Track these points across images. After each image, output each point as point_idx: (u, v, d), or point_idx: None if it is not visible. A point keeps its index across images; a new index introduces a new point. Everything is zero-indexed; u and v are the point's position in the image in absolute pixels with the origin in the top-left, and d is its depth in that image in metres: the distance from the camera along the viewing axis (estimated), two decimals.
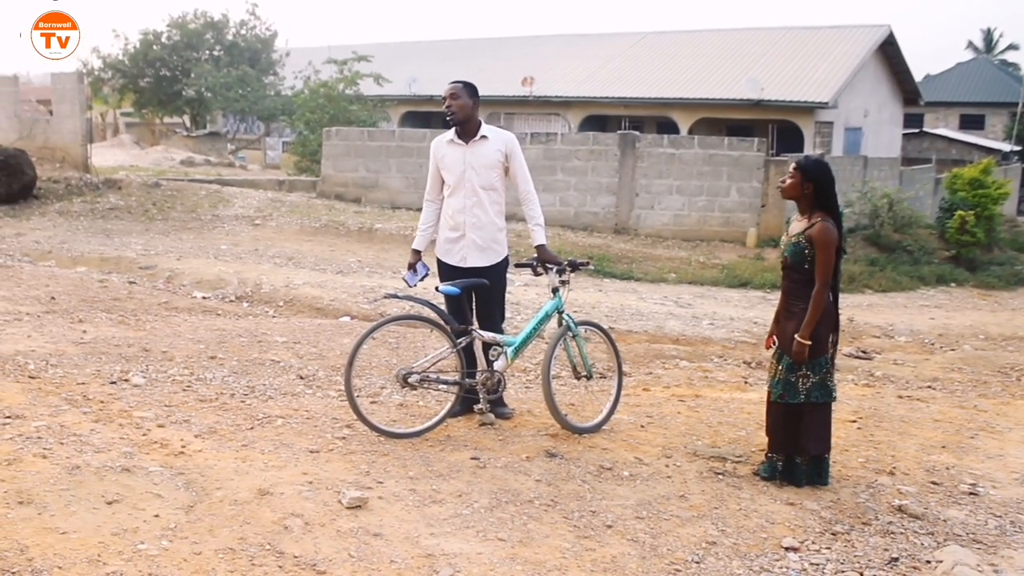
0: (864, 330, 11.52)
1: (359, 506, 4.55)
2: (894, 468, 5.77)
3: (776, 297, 13.45)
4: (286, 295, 11.24)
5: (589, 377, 6.24)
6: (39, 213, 17.53)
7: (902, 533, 4.78)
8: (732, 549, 4.47)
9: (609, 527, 4.61)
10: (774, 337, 5.48)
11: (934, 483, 5.57)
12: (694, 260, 17.46)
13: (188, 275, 12.13)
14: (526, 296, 11.62)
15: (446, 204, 6.10)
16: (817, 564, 4.37)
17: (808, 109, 28.48)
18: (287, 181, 24.81)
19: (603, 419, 6.20)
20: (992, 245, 21.27)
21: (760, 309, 12.81)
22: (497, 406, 6.14)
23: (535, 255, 6.10)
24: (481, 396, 5.90)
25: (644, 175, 19.76)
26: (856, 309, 13.24)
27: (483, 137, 5.99)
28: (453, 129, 6.04)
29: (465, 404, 6.00)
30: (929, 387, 8.35)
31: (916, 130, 38.93)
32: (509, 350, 5.90)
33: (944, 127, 42.90)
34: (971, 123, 44.81)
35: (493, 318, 6.06)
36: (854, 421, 6.79)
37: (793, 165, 5.33)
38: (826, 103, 27.97)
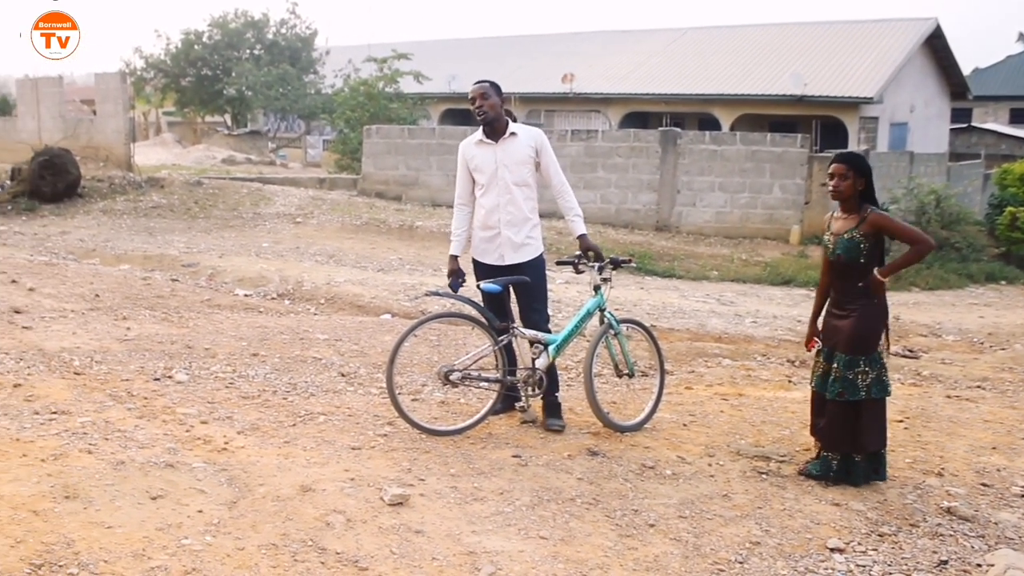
0: (911, 328, 11.34)
1: (401, 503, 4.55)
2: (942, 469, 5.66)
3: None
4: (327, 293, 11.29)
5: (631, 375, 6.20)
6: (83, 211, 17.79)
7: (951, 535, 4.68)
8: (776, 549, 4.41)
9: (651, 526, 4.56)
10: (816, 339, 5.42)
11: (984, 485, 5.45)
12: (736, 257, 17.31)
13: (230, 273, 12.24)
14: (567, 294, 11.57)
15: (479, 204, 6.07)
16: (863, 566, 4.29)
17: (852, 104, 28.12)
18: (328, 179, 24.96)
19: (645, 417, 6.16)
20: None
21: (804, 307, 12.66)
22: (551, 416, 6.06)
23: (577, 250, 6.06)
24: (523, 395, 5.88)
25: (686, 172, 19.62)
26: (902, 307, 13.03)
27: (512, 134, 5.95)
28: (481, 129, 6.02)
29: (507, 402, 5.99)
30: (979, 387, 8.18)
31: (964, 125, 38.25)
32: (551, 348, 5.87)
33: (994, 122, 42.07)
34: (1022, 117, 43.92)
35: (536, 315, 6.02)
36: (901, 421, 6.67)
37: (841, 164, 5.22)
38: (871, 98, 27.60)
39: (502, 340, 5.76)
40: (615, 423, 6.00)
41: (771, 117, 30.24)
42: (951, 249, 18.83)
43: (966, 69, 35.68)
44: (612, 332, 6.06)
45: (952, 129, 36.14)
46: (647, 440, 5.89)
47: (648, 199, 19.89)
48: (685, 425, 6.30)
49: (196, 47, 39.92)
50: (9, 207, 17.58)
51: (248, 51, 40.46)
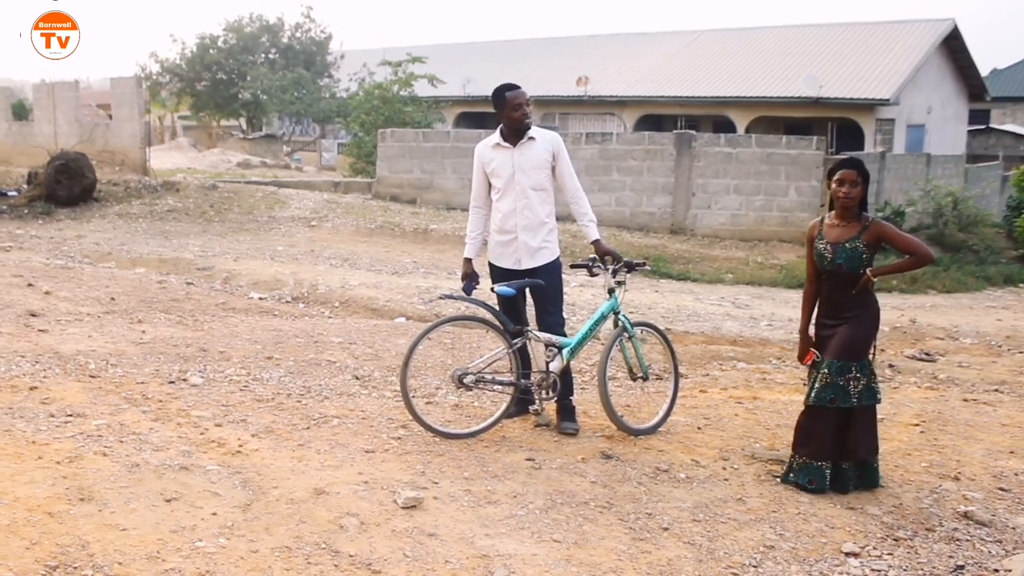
0: (927, 331, 11.26)
1: (414, 506, 4.55)
2: (959, 473, 5.62)
3: None
4: (342, 296, 11.31)
5: (645, 378, 6.18)
6: (99, 215, 17.88)
7: (968, 540, 4.65)
8: (791, 554, 4.39)
9: (665, 530, 4.55)
10: (815, 351, 5.24)
11: (1002, 489, 5.40)
12: (752, 260, 17.25)
13: (245, 276, 12.27)
14: (581, 297, 11.55)
15: (495, 208, 6.06)
16: (879, 570, 4.26)
17: (868, 106, 28.02)
18: (342, 183, 25.00)
19: (659, 421, 6.14)
20: None
21: None
22: (565, 419, 6.05)
23: (592, 254, 6.06)
24: (537, 398, 5.87)
25: (701, 175, 19.56)
26: (919, 310, 12.96)
27: (530, 138, 5.95)
28: (498, 132, 6.01)
29: (520, 405, 5.97)
30: (996, 390, 8.11)
31: (982, 126, 38.01)
32: (565, 351, 5.86)
33: (1012, 123, 41.76)
34: None
35: (551, 318, 6.00)
36: (917, 425, 6.63)
37: (851, 171, 5.07)
38: (887, 100, 27.49)
39: (516, 343, 5.76)
40: (629, 426, 5.98)
41: (786, 119, 30.15)
42: (968, 252, 18.73)
43: (984, 70, 35.45)
44: (626, 335, 6.04)
45: (970, 131, 35.93)
46: (661, 443, 5.87)
47: (663, 202, 19.84)
48: (699, 428, 6.28)
49: (211, 51, 40.14)
50: (25, 211, 17.68)
51: (263, 55, 40.65)
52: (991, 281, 17.13)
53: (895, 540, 4.61)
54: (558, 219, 6.15)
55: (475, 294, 6.04)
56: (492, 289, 5.90)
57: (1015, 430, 6.67)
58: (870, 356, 5.17)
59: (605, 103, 32.68)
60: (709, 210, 19.64)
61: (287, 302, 11.04)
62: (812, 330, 5.31)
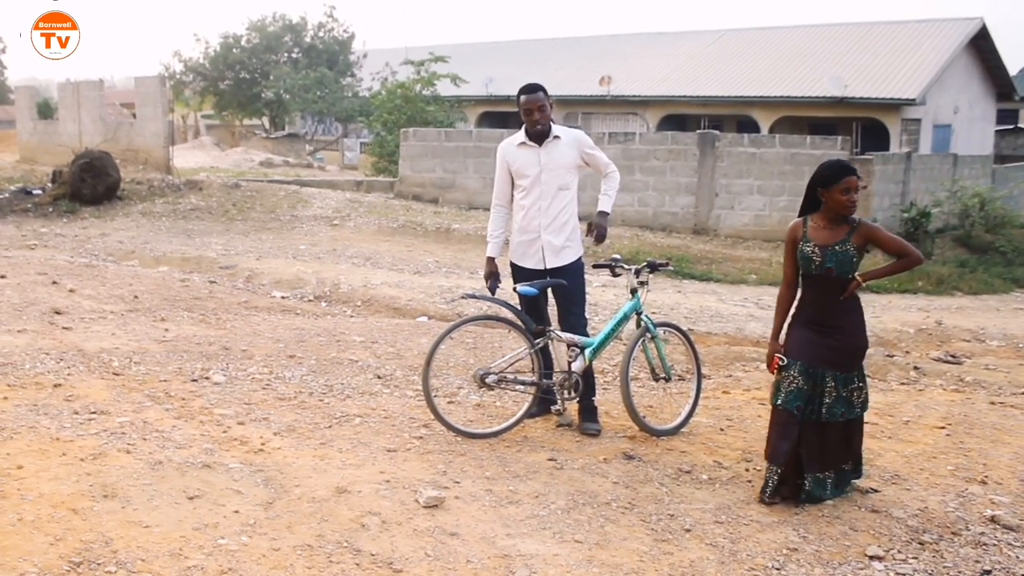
0: (953, 334, 11.15)
1: (436, 505, 4.54)
2: (986, 477, 5.55)
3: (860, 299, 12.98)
4: (364, 295, 11.32)
5: (668, 379, 6.15)
6: (123, 214, 18.00)
7: (995, 545, 4.58)
8: (814, 556, 4.35)
9: (687, 531, 4.52)
10: (778, 356, 4.99)
11: None
12: (775, 261, 17.12)
13: (267, 275, 12.31)
14: (604, 297, 11.52)
15: (518, 205, 6.03)
16: (903, 574, 4.22)
17: (894, 106, 27.81)
18: (365, 182, 25.08)
19: (682, 422, 6.10)
20: None
21: None
22: (587, 419, 6.03)
23: (615, 254, 6.04)
24: (559, 398, 5.85)
25: (724, 175, 19.47)
26: (945, 312, 12.84)
27: (556, 138, 5.93)
28: (523, 131, 5.99)
29: (542, 405, 5.96)
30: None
31: (1011, 126, 37.62)
32: (587, 351, 5.84)
33: None
34: None
35: (574, 318, 5.98)
36: (943, 427, 6.56)
37: (856, 177, 4.89)
38: (913, 100, 27.28)
39: (538, 343, 5.74)
40: (651, 427, 5.95)
41: (811, 119, 29.97)
42: (996, 253, 18.54)
43: (1013, 69, 35.05)
44: (649, 336, 6.01)
45: (997, 131, 35.58)
46: (683, 444, 5.83)
47: (686, 202, 19.76)
48: (722, 430, 6.24)
49: (234, 51, 40.37)
50: (50, 209, 17.84)
51: (286, 54, 40.85)
52: (1018, 283, 16.95)
53: (920, 544, 4.55)
54: (581, 219, 6.13)
55: (497, 294, 6.03)
56: (514, 289, 5.89)
57: None
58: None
59: (628, 103, 32.60)
60: (732, 210, 19.54)
61: (309, 301, 11.06)
62: (794, 334, 5.05)
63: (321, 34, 41.29)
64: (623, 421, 6.10)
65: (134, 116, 25.49)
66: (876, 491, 5.19)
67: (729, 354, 9.14)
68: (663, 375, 6.12)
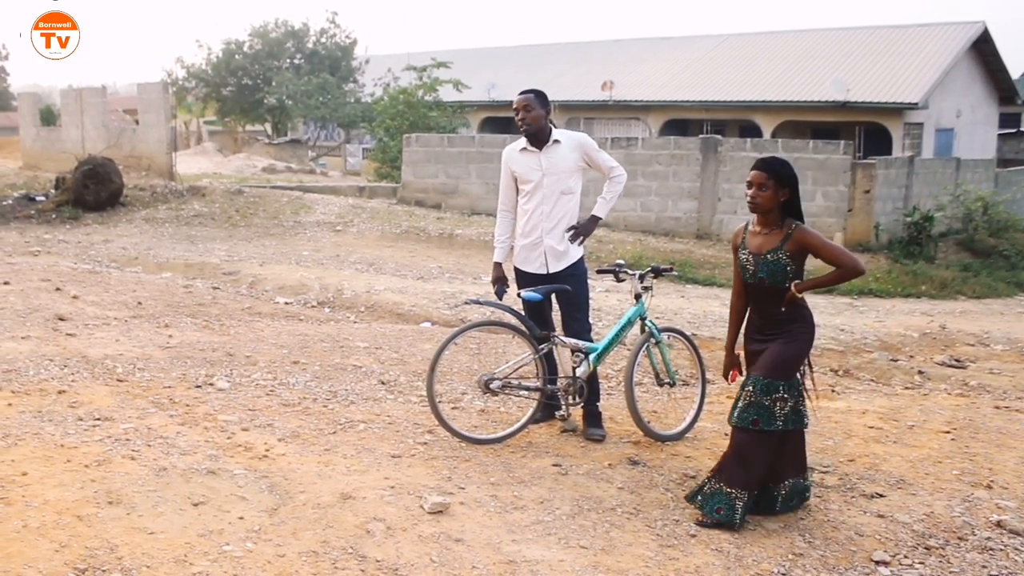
0: (957, 338, 11.14)
1: (441, 511, 4.54)
2: (991, 481, 5.53)
3: (864, 303, 13.03)
4: (367, 300, 11.32)
5: (672, 384, 6.15)
6: (126, 220, 18.02)
7: (1001, 550, 4.57)
8: (820, 561, 4.34)
9: (693, 536, 4.51)
10: (738, 370, 4.95)
11: None
12: None
13: (271, 280, 12.32)
14: (608, 302, 11.51)
15: (521, 210, 6.04)
16: None
17: (896, 110, 27.80)
18: (367, 187, 25.10)
19: (686, 427, 6.10)
20: None
21: (847, 316, 12.50)
22: (591, 425, 6.02)
23: (618, 259, 6.04)
24: (564, 404, 5.85)
25: (727, 179, 19.46)
26: (948, 316, 12.82)
27: (556, 142, 5.93)
28: (524, 136, 6.00)
29: (547, 410, 5.96)
30: None
31: (1013, 130, 37.60)
32: (591, 357, 5.84)
33: None
34: None
35: (578, 323, 5.98)
36: (948, 432, 6.54)
37: (760, 172, 4.64)
38: (915, 104, 27.26)
39: (543, 349, 5.74)
40: (656, 432, 5.94)
41: (813, 124, 29.96)
42: (999, 257, 18.53)
43: (1015, 73, 35.05)
44: (653, 341, 6.01)
45: (1000, 134, 35.55)
46: (688, 450, 5.83)
47: (689, 207, 19.76)
48: (727, 435, 6.20)
49: (237, 57, 40.47)
50: (53, 215, 17.86)
51: (288, 60, 40.93)
52: (1022, 287, 16.95)
53: (926, 549, 4.54)
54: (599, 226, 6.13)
55: (503, 299, 6.03)
56: (518, 294, 5.89)
57: None
58: (799, 376, 4.73)
59: (630, 108, 32.60)
60: (735, 215, 19.50)
61: (313, 307, 11.06)
62: (743, 348, 4.95)
63: (323, 40, 41.37)
64: (628, 426, 6.10)
65: (137, 122, 25.51)
66: (882, 496, 5.18)
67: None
68: (667, 380, 6.12)
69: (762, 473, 4.70)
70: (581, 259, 6.05)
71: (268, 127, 42.85)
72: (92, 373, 6.76)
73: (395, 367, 7.60)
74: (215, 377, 6.87)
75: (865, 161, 19.58)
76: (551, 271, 5.92)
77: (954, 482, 5.50)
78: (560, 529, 4.48)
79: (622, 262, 6.14)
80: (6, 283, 10.41)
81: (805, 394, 4.76)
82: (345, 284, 12.16)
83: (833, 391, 7.87)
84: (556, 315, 6.07)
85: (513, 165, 6.01)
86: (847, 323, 11.65)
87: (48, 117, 31.49)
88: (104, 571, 3.73)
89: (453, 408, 6.43)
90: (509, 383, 5.74)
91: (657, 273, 6.08)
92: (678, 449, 5.82)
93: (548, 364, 5.80)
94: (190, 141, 42.16)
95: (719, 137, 21.00)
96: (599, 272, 6.23)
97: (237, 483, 4.73)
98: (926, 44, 30.17)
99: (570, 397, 5.84)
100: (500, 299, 6.00)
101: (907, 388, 8.18)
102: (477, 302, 6.18)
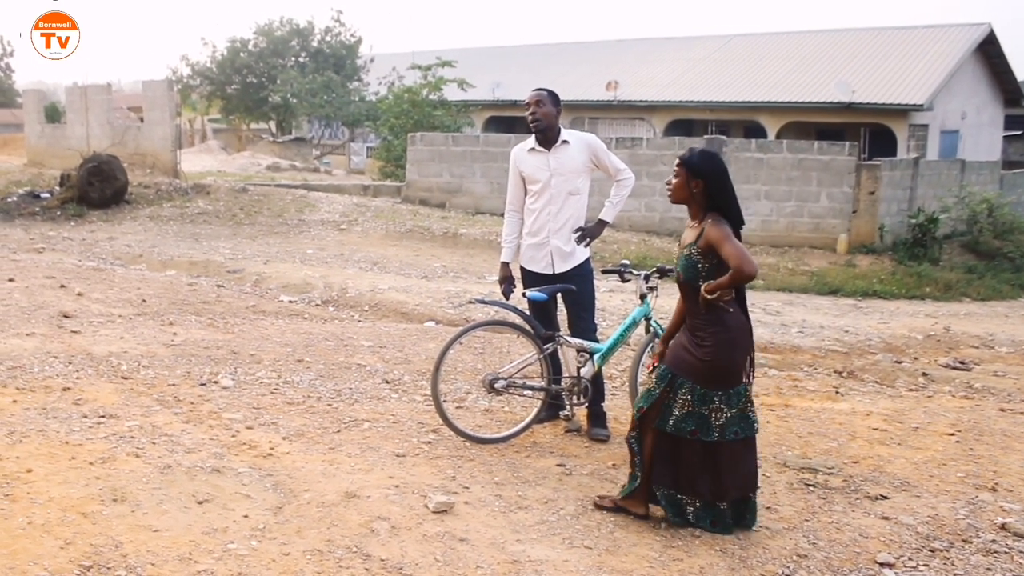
0: (962, 340, 11.13)
1: (445, 511, 4.54)
2: (996, 484, 5.53)
3: (868, 305, 13.02)
4: (371, 299, 11.33)
5: None
6: (131, 217, 18.04)
7: (1006, 552, 4.56)
8: (824, 563, 4.34)
9: (697, 537, 4.51)
10: (656, 359, 4.74)
11: None
12: (782, 267, 17.12)
13: (275, 279, 12.33)
14: (612, 302, 11.50)
15: (528, 210, 6.05)
16: None
17: (901, 112, 27.77)
18: (372, 186, 25.10)
19: None
20: None
21: (851, 317, 12.49)
22: (595, 425, 6.02)
23: (623, 259, 6.04)
24: (568, 404, 5.85)
25: (731, 180, 19.44)
26: (953, 318, 12.81)
27: (564, 142, 5.93)
28: (533, 136, 6.00)
29: (551, 410, 5.96)
30: None
31: (1018, 132, 37.51)
32: (596, 357, 5.84)
33: None
34: None
35: (583, 323, 5.98)
36: (952, 434, 6.54)
37: (677, 162, 4.53)
38: (920, 105, 27.22)
39: (547, 348, 5.74)
40: None
41: (818, 125, 29.93)
42: (1004, 259, 18.50)
43: (1021, 75, 34.99)
44: (658, 341, 6.00)
45: (1005, 136, 35.45)
46: None
47: None
48: None
49: (242, 55, 40.49)
50: (58, 213, 17.89)
51: (293, 59, 40.95)
52: None
53: (931, 551, 4.53)
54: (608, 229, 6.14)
55: (509, 298, 6.04)
56: (524, 294, 5.89)
57: None
58: (745, 383, 4.55)
59: (635, 108, 32.57)
60: None
61: (317, 305, 11.07)
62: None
63: (328, 38, 41.37)
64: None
65: (141, 120, 25.53)
66: (886, 498, 5.18)
67: None
68: None
69: (696, 479, 4.52)
70: (587, 260, 6.05)
71: (272, 125, 42.85)
72: (97, 370, 6.77)
73: (399, 366, 7.60)
74: (219, 375, 6.88)
75: (870, 162, 19.55)
76: (557, 271, 5.93)
77: (958, 484, 5.50)
78: (564, 529, 4.49)
79: (627, 262, 6.13)
80: (11, 280, 10.43)
81: (751, 402, 4.59)
82: (349, 283, 12.17)
83: (837, 392, 7.87)
84: (561, 315, 6.07)
85: (521, 165, 6.01)
86: (851, 324, 11.64)
87: (53, 114, 31.54)
88: (109, 568, 3.74)
89: (457, 407, 6.43)
90: (514, 383, 5.74)
91: (662, 273, 6.07)
92: None
93: (553, 364, 5.80)
94: (194, 139, 42.17)
95: (724, 138, 20.98)
96: (604, 272, 6.23)
97: (242, 481, 4.74)
98: (931, 46, 30.13)
99: (574, 397, 5.84)
100: (507, 299, 6.01)
101: (911, 390, 8.17)
102: (482, 301, 6.19)
